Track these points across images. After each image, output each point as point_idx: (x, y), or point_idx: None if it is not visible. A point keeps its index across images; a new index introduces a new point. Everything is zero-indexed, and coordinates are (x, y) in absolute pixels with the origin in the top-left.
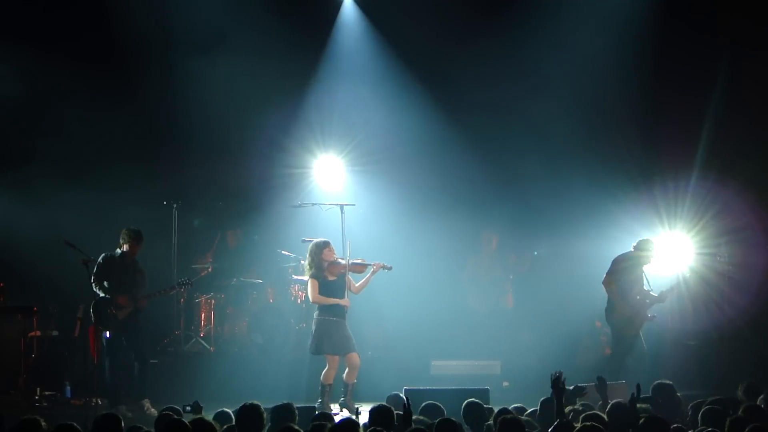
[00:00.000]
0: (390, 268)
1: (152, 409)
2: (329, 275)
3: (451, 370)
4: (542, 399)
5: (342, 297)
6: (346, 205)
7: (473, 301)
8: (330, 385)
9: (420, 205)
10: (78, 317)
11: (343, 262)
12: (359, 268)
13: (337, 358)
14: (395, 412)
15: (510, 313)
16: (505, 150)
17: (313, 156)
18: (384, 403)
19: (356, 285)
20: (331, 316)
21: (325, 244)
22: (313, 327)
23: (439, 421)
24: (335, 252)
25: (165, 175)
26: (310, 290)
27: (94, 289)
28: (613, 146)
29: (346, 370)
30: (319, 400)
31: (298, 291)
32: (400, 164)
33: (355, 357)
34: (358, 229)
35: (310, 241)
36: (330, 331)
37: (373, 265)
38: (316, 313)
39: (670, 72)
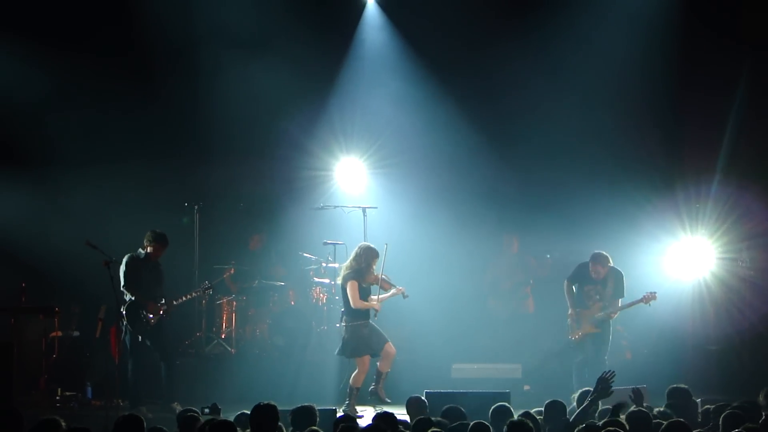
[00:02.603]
0: (407, 297)
1: None
2: (365, 282)
3: (472, 373)
4: (547, 402)
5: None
6: (368, 207)
7: (494, 305)
8: (358, 388)
9: (442, 208)
10: (99, 318)
11: (377, 274)
12: (386, 286)
13: (368, 360)
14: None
15: (531, 317)
16: (528, 153)
17: (335, 158)
18: (386, 410)
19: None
20: (360, 320)
21: (377, 254)
22: (344, 333)
23: (472, 425)
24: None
25: (187, 177)
26: (353, 293)
27: (124, 292)
28: (635, 150)
29: (380, 358)
30: (346, 402)
31: (320, 293)
32: (422, 167)
33: (390, 346)
34: (380, 232)
35: (332, 243)
36: (361, 334)
37: (396, 289)
38: (345, 319)
39: (692, 76)
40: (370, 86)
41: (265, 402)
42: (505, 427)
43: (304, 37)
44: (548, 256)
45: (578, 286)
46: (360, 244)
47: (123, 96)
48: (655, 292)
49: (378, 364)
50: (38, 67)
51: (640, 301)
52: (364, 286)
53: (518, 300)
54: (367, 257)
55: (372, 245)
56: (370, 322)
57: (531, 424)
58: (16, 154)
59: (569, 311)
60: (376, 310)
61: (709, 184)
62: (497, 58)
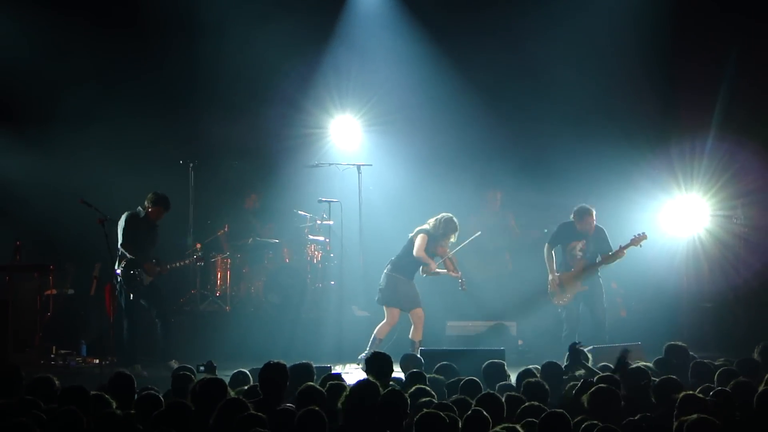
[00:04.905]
0: (464, 290)
1: None
2: (436, 248)
3: (467, 330)
4: (544, 363)
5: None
6: (362, 165)
7: (475, 265)
8: (381, 339)
9: (436, 165)
10: (94, 276)
11: (447, 249)
12: (449, 264)
13: (397, 314)
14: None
15: (524, 275)
16: (523, 112)
17: (329, 116)
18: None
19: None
20: (402, 275)
21: (456, 228)
22: (382, 281)
23: (464, 382)
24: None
25: (182, 135)
26: (421, 243)
27: (120, 249)
28: (629, 108)
29: (412, 327)
30: (366, 351)
31: (315, 251)
32: (416, 124)
33: (420, 311)
34: (375, 189)
35: (327, 201)
36: (397, 287)
37: (456, 272)
38: (389, 268)
39: (686, 33)
40: (366, 43)
41: (275, 361)
42: (522, 386)
43: None
44: (546, 230)
45: (561, 246)
46: (444, 213)
47: (119, 55)
48: (644, 233)
49: (409, 335)
50: (37, 26)
51: (630, 244)
52: (430, 251)
53: (499, 263)
54: (446, 227)
55: (455, 219)
56: (410, 281)
57: (547, 387)
58: (13, 112)
59: (550, 277)
60: (428, 271)
61: (704, 142)
62: (495, 15)
